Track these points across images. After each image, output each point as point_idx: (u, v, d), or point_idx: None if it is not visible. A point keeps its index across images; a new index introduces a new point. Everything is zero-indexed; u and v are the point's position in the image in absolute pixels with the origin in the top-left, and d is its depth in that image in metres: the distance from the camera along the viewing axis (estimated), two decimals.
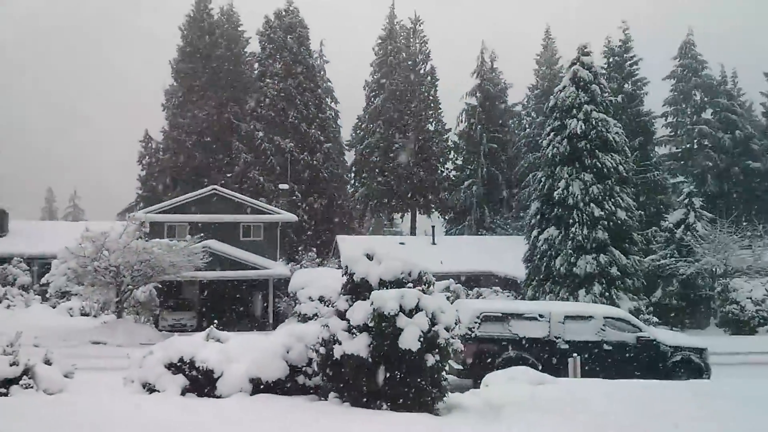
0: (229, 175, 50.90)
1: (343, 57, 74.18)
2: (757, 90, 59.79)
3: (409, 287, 9.62)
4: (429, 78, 61.49)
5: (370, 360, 9.02)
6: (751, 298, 31.47)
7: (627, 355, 15.43)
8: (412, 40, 62.50)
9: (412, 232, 59.90)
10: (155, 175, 53.19)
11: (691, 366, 15.61)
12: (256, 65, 55.93)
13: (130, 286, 27.40)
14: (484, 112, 56.98)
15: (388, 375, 9.08)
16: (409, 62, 61.43)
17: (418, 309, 9.17)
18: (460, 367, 14.09)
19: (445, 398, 9.72)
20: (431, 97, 61.22)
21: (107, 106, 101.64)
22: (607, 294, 28.71)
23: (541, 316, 15.61)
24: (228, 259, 32.53)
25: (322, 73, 60.68)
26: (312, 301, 25.05)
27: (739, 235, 34.86)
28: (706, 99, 53.97)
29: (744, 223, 37.33)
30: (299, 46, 52.63)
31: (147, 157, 54.24)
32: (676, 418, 9.36)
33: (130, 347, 20.50)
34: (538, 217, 31.68)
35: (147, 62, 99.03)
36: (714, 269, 33.95)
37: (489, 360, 14.84)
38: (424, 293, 9.67)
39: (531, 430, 8.07)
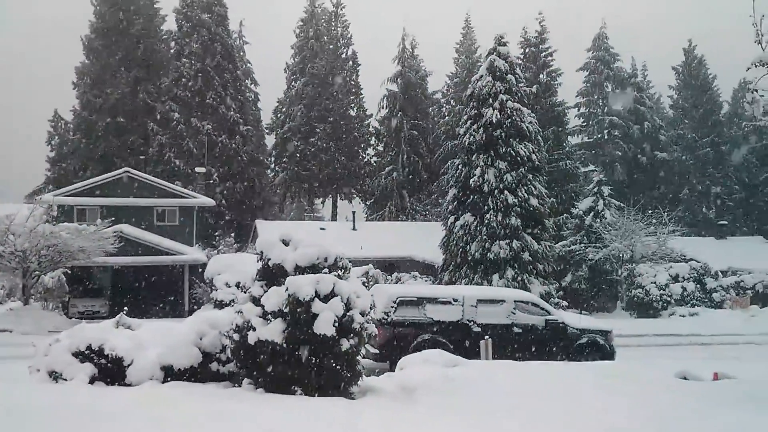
0: (143, 157, 49.37)
1: (264, 39, 73.10)
2: (665, 83, 62.83)
3: (325, 273, 9.67)
4: (351, 63, 61.41)
5: (284, 345, 9.03)
6: (655, 283, 33.12)
7: (536, 337, 16.01)
8: (333, 23, 62.16)
9: (334, 217, 59.92)
10: (65, 156, 51.00)
11: (597, 348, 16.34)
12: (172, 44, 54.24)
13: (37, 272, 26.35)
14: (405, 99, 57.34)
15: (302, 360, 9.12)
16: (331, 46, 61.11)
17: (333, 294, 9.23)
18: (377, 351, 14.27)
19: (359, 382, 9.84)
20: (353, 82, 61.19)
21: (12, 82, 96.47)
22: (519, 278, 29.62)
23: (455, 300, 16.00)
24: (141, 244, 31.68)
25: (241, 54, 59.50)
26: (229, 287, 24.68)
27: (645, 222, 36.54)
28: (617, 90, 56.05)
29: (650, 211, 39.10)
30: (217, 25, 51.35)
31: (56, 137, 51.91)
32: (580, 398, 9.81)
33: (37, 335, 19.67)
34: (455, 203, 32.31)
35: (56, 36, 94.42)
36: (621, 255, 35.49)
37: (404, 343, 15.12)
38: (340, 278, 9.75)
39: (441, 411, 8.30)
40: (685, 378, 12.73)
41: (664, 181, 56.45)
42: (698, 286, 34.12)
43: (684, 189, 56.69)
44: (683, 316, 31.42)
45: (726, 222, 51.33)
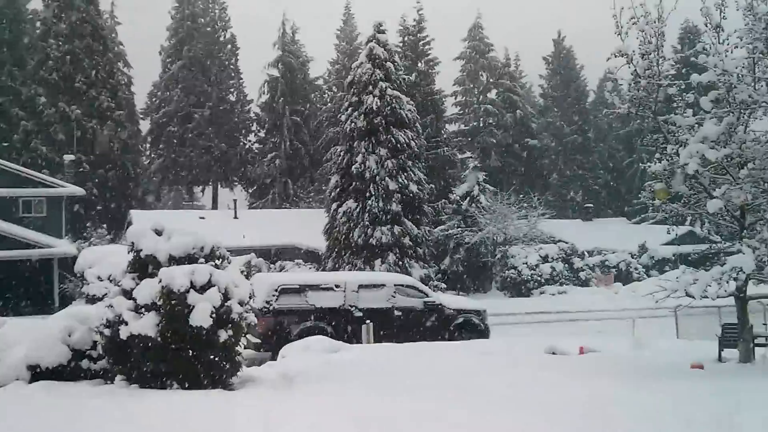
0: (6, 144, 46.03)
1: (137, 20, 69.99)
2: (536, 73, 65.67)
3: (202, 263, 9.47)
4: (229, 46, 59.82)
5: (158, 339, 8.80)
6: (526, 264, 34.74)
7: (416, 319, 16.46)
8: (210, 5, 60.27)
9: (214, 206, 58.36)
10: None
11: (473, 327, 17.00)
12: (38, 24, 50.76)
13: None
14: (286, 85, 56.60)
15: (179, 353, 8.92)
16: (208, 29, 59.28)
17: (210, 284, 9.05)
18: (258, 341, 14.18)
19: (239, 372, 9.75)
20: (232, 66, 59.72)
21: None
22: (400, 263, 30.22)
23: (337, 286, 16.14)
24: (4, 237, 29.64)
25: (113, 35, 56.63)
26: (101, 281, 23.52)
27: (518, 206, 38.16)
28: (491, 80, 57.92)
29: (521, 196, 40.85)
30: (87, 4, 48.57)
31: None
32: (458, 374, 10.20)
33: None
34: (338, 190, 32.43)
35: None
36: (495, 238, 36.90)
37: (287, 332, 15.13)
38: (218, 268, 9.60)
39: (320, 396, 8.39)
40: (553, 353, 13.54)
41: (535, 166, 59.17)
42: (566, 265, 36.08)
43: (553, 174, 59.71)
44: (553, 295, 33.12)
45: (592, 204, 54.55)
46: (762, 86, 9.80)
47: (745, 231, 10.73)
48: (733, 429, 6.35)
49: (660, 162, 11.04)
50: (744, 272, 9.51)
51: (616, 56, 10.80)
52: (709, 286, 9.53)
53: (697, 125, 10.29)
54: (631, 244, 39.01)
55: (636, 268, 37.20)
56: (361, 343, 14.79)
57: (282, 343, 13.76)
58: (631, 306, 27.36)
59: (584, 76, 64.12)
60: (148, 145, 58.12)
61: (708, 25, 10.37)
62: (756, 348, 11.65)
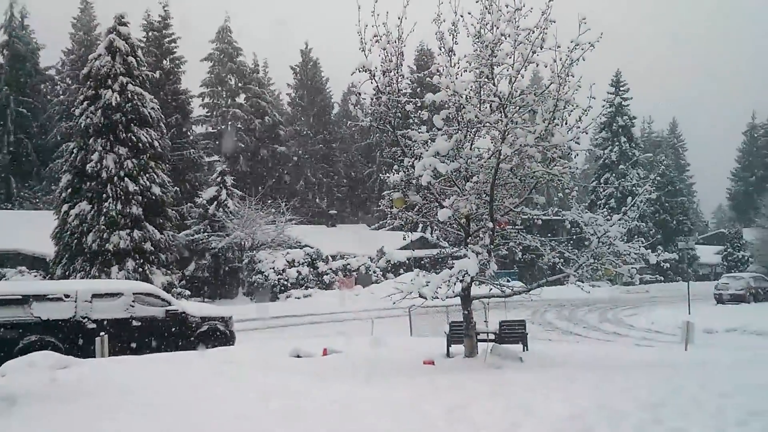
0: None
1: None
2: (284, 81, 66.55)
3: None
4: None
5: None
6: (273, 268, 35.01)
7: (157, 329, 15.67)
8: None
9: None
10: None
11: (218, 334, 16.64)
12: None
13: None
14: (11, 72, 50.66)
15: None
16: None
17: None
18: None
19: None
20: None
21: None
22: (141, 270, 28.66)
23: (66, 296, 14.80)
24: None
25: None
26: None
27: (266, 212, 38.34)
28: (240, 84, 57.51)
29: (270, 201, 41.12)
30: None
31: None
32: (197, 386, 9.87)
33: None
34: (70, 190, 29.80)
35: None
36: (243, 243, 36.68)
37: (8, 347, 13.57)
38: None
39: (42, 420, 7.60)
40: (298, 356, 13.77)
41: (283, 173, 59.94)
42: (311, 269, 37.00)
43: (300, 181, 60.95)
44: (298, 298, 33.79)
45: (336, 211, 56.68)
46: (486, 107, 10.87)
47: (469, 238, 11.87)
48: (463, 419, 6.96)
49: (398, 173, 11.78)
50: (469, 275, 10.45)
51: (360, 71, 11.27)
52: (440, 287, 10.31)
53: (430, 141, 11.14)
54: (371, 249, 41.18)
55: (375, 271, 39.29)
56: (95, 357, 13.73)
57: (2, 361, 12.26)
58: (370, 307, 28.91)
59: (330, 88, 66.50)
60: None
61: (441, 48, 11.29)
62: (479, 343, 12.95)
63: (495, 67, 10.48)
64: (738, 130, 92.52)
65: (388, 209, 12.38)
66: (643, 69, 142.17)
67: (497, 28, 10.48)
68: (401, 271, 39.40)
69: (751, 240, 58.62)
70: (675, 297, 36.33)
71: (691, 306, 27.29)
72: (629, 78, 58.87)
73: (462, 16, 10.83)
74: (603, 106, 54.49)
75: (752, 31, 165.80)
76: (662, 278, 49.65)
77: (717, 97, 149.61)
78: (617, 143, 55.36)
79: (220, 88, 56.95)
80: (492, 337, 13.98)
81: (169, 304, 16.15)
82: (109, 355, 13.79)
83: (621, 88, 57.56)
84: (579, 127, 10.64)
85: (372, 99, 11.74)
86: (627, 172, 52.37)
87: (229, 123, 56.16)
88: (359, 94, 11.92)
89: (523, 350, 13.70)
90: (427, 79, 11.43)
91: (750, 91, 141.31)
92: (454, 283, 10.48)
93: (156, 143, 30.87)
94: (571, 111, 10.62)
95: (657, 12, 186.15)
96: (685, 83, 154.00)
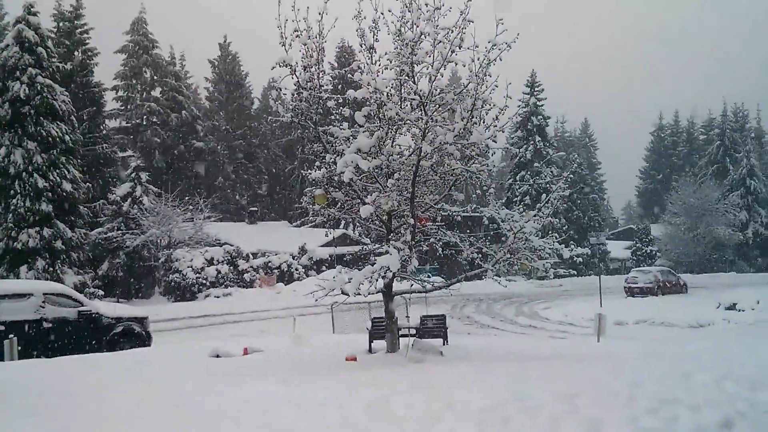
0: None
1: None
2: (202, 75, 65.12)
3: None
4: None
5: None
6: (191, 267, 34.23)
7: (70, 330, 15.19)
8: None
9: None
10: None
11: (134, 335, 16.23)
12: None
13: None
14: None
15: None
16: None
17: None
18: None
19: None
20: None
21: None
22: (51, 269, 27.59)
23: None
24: None
25: None
26: None
27: (183, 209, 37.48)
28: (156, 77, 55.91)
29: (187, 197, 40.20)
30: None
31: None
32: (112, 389, 9.60)
33: None
34: None
35: None
36: (159, 241, 35.74)
37: None
38: None
39: None
40: (218, 356, 13.56)
41: (201, 169, 58.73)
42: (231, 267, 36.39)
43: (219, 177, 59.86)
44: (218, 297, 33.19)
45: (256, 208, 55.98)
46: (407, 105, 10.99)
47: (391, 234, 11.98)
48: (384, 413, 7.03)
49: (319, 170, 11.75)
50: (391, 271, 10.54)
51: (280, 66, 11.18)
52: (362, 284, 10.35)
53: (352, 137, 11.17)
54: (293, 246, 40.92)
55: (297, 269, 39.04)
56: (4, 360, 13.15)
57: None
58: (292, 305, 28.81)
59: (250, 83, 65.57)
60: None
61: (362, 45, 11.34)
62: (400, 338, 13.09)
63: (415, 66, 10.60)
64: (646, 131, 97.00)
65: (310, 206, 12.34)
66: (556, 70, 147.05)
67: (417, 26, 10.62)
68: (323, 268, 39.31)
69: (658, 235, 61.57)
70: (587, 290, 37.80)
71: (602, 299, 28.46)
72: (544, 78, 60.65)
73: (382, 14, 10.90)
74: (519, 106, 56.06)
75: (661, 35, 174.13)
76: (575, 272, 51.45)
77: (626, 99, 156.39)
78: (532, 142, 56.94)
79: (134, 81, 55.09)
80: (413, 332, 14.17)
81: (82, 304, 15.65)
82: (18, 358, 13.27)
83: (536, 89, 59.23)
84: (496, 126, 10.91)
85: (293, 95, 11.66)
86: (541, 170, 53.95)
87: (145, 117, 54.48)
88: (280, 89, 11.81)
89: (444, 344, 13.95)
90: (349, 75, 11.44)
91: (657, 93, 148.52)
92: (376, 280, 10.55)
93: (67, 138, 29.70)
94: (489, 110, 10.86)
95: (569, 16, 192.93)
96: (596, 85, 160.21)
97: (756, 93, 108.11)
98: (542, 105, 59.27)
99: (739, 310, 23.87)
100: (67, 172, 29.40)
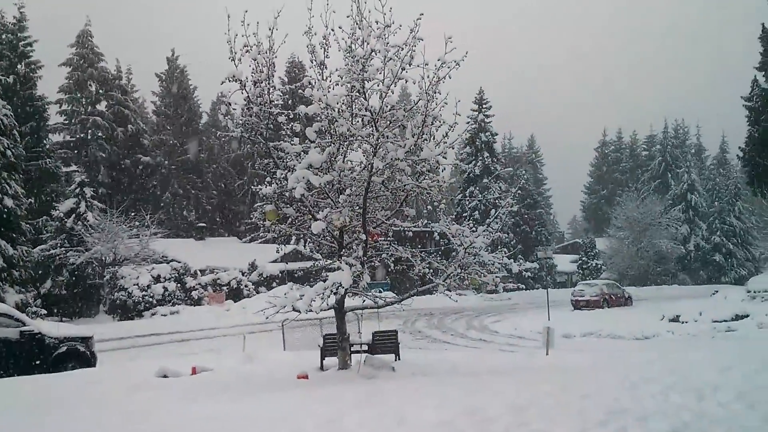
0: None
1: None
2: (149, 89, 64.10)
3: None
4: None
5: None
6: (137, 285, 33.44)
7: (11, 351, 14.71)
8: None
9: None
10: None
11: (78, 355, 15.77)
12: None
13: None
14: None
15: None
16: None
17: None
18: None
19: None
20: None
21: None
22: None
23: None
24: None
25: None
26: None
27: (129, 225, 36.69)
28: (101, 91, 54.79)
29: (133, 214, 39.40)
30: None
31: None
32: (56, 410, 9.34)
33: None
34: None
35: None
36: (104, 258, 34.90)
37: None
38: None
39: None
40: (165, 376, 13.27)
41: (148, 184, 57.69)
42: (179, 285, 35.65)
43: (166, 192, 58.84)
44: (165, 315, 32.48)
45: (205, 224, 55.16)
46: (358, 121, 11.05)
47: (343, 250, 11.97)
48: (336, 430, 6.99)
49: (270, 185, 11.69)
50: (343, 287, 10.54)
51: (230, 81, 11.13)
52: (314, 300, 10.31)
53: (303, 153, 11.15)
54: (242, 262, 40.43)
55: (246, 285, 38.56)
56: None
57: None
58: (242, 322, 28.40)
59: (198, 97, 64.84)
60: None
61: (313, 61, 11.37)
62: (352, 355, 13.06)
63: (366, 82, 10.68)
64: (590, 147, 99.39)
65: (261, 222, 12.24)
66: (504, 86, 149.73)
67: (368, 43, 10.71)
68: (274, 284, 38.93)
69: (603, 249, 62.98)
70: (535, 304, 38.36)
71: (550, 312, 28.90)
72: (491, 95, 61.67)
73: (333, 30, 10.97)
74: (467, 123, 56.83)
75: (606, 51, 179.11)
76: (523, 286, 52.21)
77: (571, 116, 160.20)
78: (480, 158, 57.76)
79: (79, 95, 53.85)
80: (365, 348, 14.15)
81: (24, 324, 15.16)
82: None
83: (484, 106, 60.17)
84: (446, 142, 11.07)
85: (243, 109, 11.60)
86: (490, 186, 54.72)
87: (89, 131, 53.24)
88: (229, 104, 11.76)
89: (396, 360, 13.96)
90: (299, 91, 11.45)
91: (601, 110, 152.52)
92: (328, 296, 10.52)
93: (9, 152, 28.86)
94: (439, 127, 11.01)
95: (514, 35, 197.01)
96: (542, 101, 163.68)
97: (697, 106, 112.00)
98: (490, 122, 60.25)
99: (683, 322, 24.54)
100: (8, 188, 28.54)
